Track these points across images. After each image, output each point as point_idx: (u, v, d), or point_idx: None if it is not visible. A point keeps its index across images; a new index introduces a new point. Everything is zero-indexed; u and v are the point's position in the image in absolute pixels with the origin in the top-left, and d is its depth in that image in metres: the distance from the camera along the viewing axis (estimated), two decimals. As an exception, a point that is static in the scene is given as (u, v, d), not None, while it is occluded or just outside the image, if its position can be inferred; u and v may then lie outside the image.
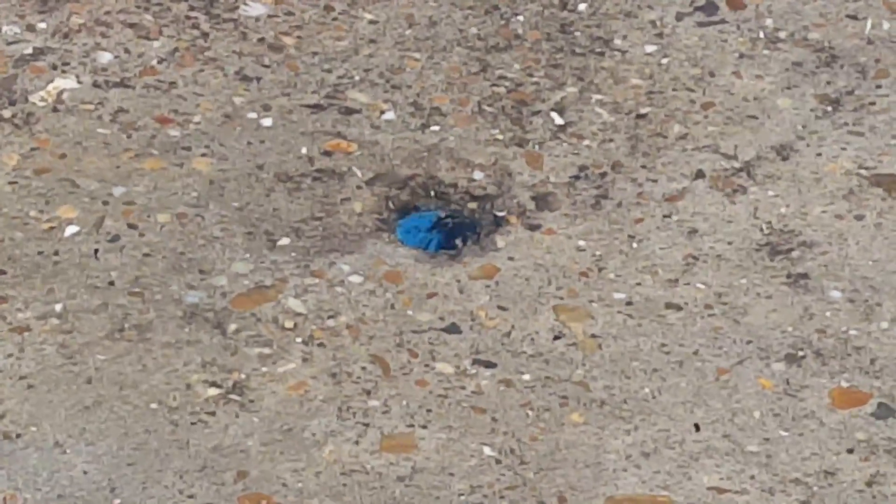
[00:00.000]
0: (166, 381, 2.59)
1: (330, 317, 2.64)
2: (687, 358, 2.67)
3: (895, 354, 2.50)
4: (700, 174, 2.70)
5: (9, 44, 2.77)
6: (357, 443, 2.53)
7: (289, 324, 2.64)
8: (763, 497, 2.50)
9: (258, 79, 2.96)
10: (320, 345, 2.63)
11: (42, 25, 2.78)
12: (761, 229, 2.65)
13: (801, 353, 2.55)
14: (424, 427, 2.54)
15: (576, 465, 2.52)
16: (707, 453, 2.55)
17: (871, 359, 2.50)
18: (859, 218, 2.63)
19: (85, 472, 2.44)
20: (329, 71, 2.77)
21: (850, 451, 2.43)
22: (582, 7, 2.86)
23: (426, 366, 2.59)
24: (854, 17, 2.88)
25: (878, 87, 2.79)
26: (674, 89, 2.79)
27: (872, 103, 2.76)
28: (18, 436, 2.52)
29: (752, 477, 2.52)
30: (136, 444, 2.52)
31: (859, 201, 2.65)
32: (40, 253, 2.69)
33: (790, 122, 2.74)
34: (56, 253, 2.59)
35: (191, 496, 2.46)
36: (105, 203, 2.66)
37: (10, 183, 2.65)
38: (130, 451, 2.49)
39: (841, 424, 2.49)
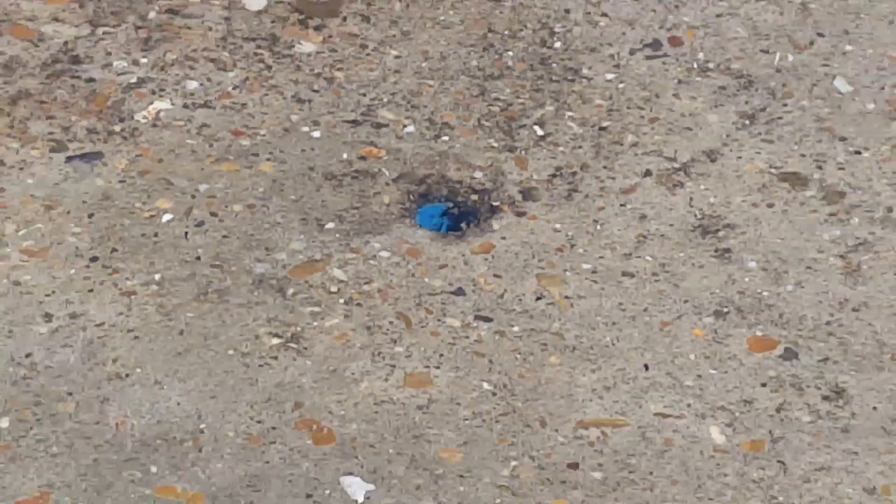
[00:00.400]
0: (240, 334, 2.55)
1: (365, 283, 2.62)
2: (638, 314, 2.63)
3: (798, 310, 2.49)
4: (648, 173, 2.67)
5: (119, 74, 2.74)
6: (386, 380, 2.51)
7: (333, 288, 2.61)
8: (697, 420, 2.47)
9: (309, 101, 2.85)
10: (358, 305, 2.60)
11: (144, 60, 2.74)
12: (695, 215, 2.62)
13: (725, 310, 2.51)
14: (438, 368, 2.51)
15: (553, 396, 2.50)
16: (654, 387, 2.53)
17: (779, 314, 2.48)
18: (770, 206, 2.60)
19: (178, 404, 2.43)
20: (364, 95, 2.75)
21: (764, 384, 2.41)
22: (557, 45, 2.82)
23: (439, 321, 2.57)
24: (766, 52, 2.86)
25: (785, 105, 2.77)
26: (628, 107, 2.75)
27: (780, 118, 2.74)
28: (127, 375, 2.48)
29: (689, 405, 2.50)
30: (217, 382, 2.49)
31: (770, 193, 2.63)
32: (143, 235, 2.67)
33: (717, 133, 2.71)
34: (155, 235, 2.57)
35: (259, 422, 2.43)
36: (193, 196, 2.64)
37: (120, 181, 2.61)
38: (213, 386, 2.47)
39: (756, 364, 2.48)
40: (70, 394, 2.47)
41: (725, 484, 2.40)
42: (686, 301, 2.61)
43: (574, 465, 2.38)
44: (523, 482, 2.37)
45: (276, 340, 2.51)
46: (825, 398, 2.49)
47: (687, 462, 2.42)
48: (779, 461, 2.42)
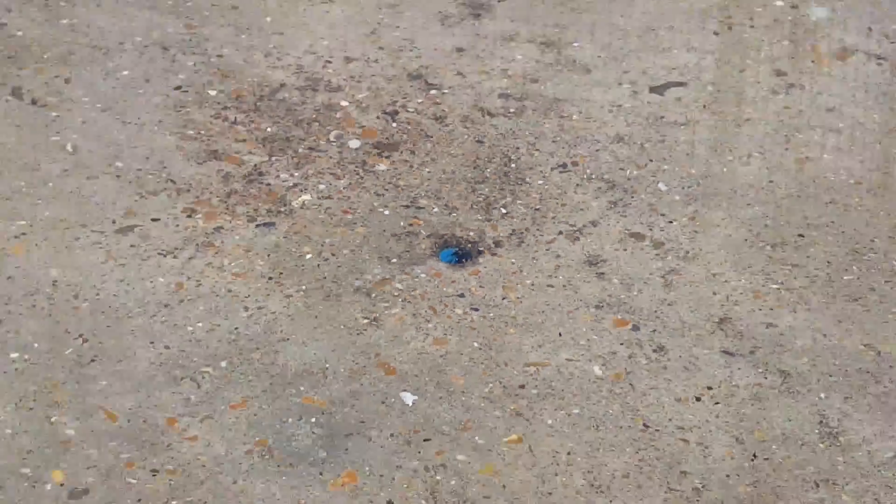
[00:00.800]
0: (346, 317, 2.45)
1: (412, 291, 2.52)
2: (556, 307, 2.48)
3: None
4: (561, 232, 2.61)
5: (283, 181, 2.73)
6: (423, 342, 2.42)
7: (395, 294, 2.50)
8: (586, 363, 2.36)
9: (383, 195, 2.73)
10: (408, 302, 2.51)
11: (297, 173, 2.69)
12: (587, 254, 2.57)
13: (601, 305, 2.48)
14: (450, 336, 2.43)
15: (511, 351, 2.42)
16: (564, 345, 2.41)
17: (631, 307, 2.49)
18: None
19: (314, 353, 2.36)
20: (411, 192, 2.72)
21: (622, 343, 2.38)
22: (513, 165, 2.75)
23: (451, 311, 2.48)
24: (622, 168, 2.83)
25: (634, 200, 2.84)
26: (550, 198, 2.70)
27: (632, 203, 2.77)
28: (287, 339, 2.38)
29: (582, 355, 2.40)
30: (335, 344, 2.39)
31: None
32: (295, 266, 2.54)
33: (596, 211, 2.65)
34: (302, 266, 2.53)
35: (357, 363, 2.36)
36: (321, 245, 2.59)
37: (284, 238, 2.57)
38: (333, 345, 2.39)
39: (619, 334, 2.43)
40: (277, 351, 2.37)
41: (601, 397, 2.32)
42: (580, 300, 2.51)
43: (522, 386, 2.35)
44: (496, 396, 2.32)
45: (364, 321, 2.47)
46: (654, 351, 2.40)
47: (582, 385, 2.35)
48: (630, 384, 2.34)
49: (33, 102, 2.78)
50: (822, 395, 2.29)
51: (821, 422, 2.24)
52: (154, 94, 2.83)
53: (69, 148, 2.68)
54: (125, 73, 2.88)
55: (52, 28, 2.98)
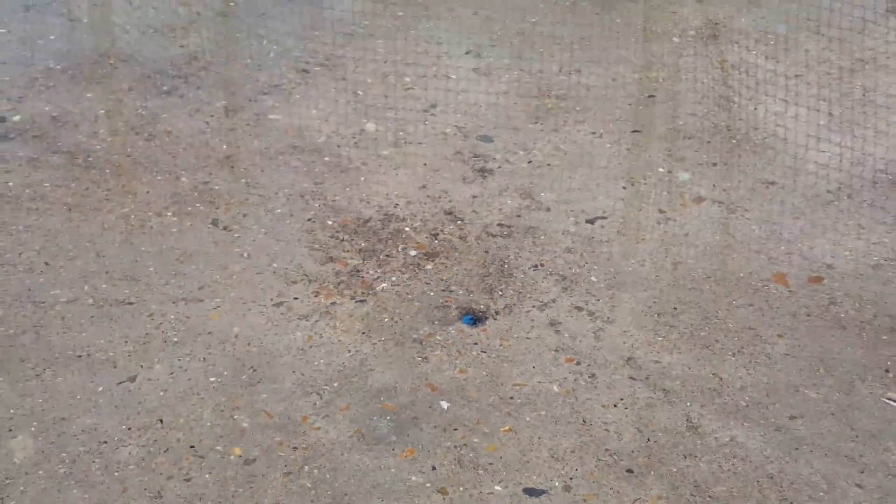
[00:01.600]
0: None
1: (448, 333, 2.46)
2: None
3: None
4: (542, 306, 2.54)
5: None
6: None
7: (450, 336, 2.43)
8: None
9: (430, 295, 2.62)
10: (452, 343, 2.46)
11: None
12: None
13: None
14: (472, 364, 2.38)
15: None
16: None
17: None
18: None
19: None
20: (448, 283, 2.65)
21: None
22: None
23: (471, 341, 2.42)
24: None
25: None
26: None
27: None
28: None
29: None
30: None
31: None
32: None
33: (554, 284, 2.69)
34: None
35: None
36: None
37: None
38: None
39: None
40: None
41: (558, 404, 2.24)
42: (545, 346, 2.41)
43: (511, 398, 2.29)
44: (496, 403, 2.27)
45: (419, 358, 2.40)
46: (589, 377, 2.35)
47: (546, 397, 2.27)
48: (575, 396, 2.27)
49: (224, 228, 2.79)
50: (688, 404, 2.26)
51: (687, 419, 2.21)
52: (295, 223, 2.78)
53: (245, 255, 2.64)
54: (278, 210, 2.89)
55: (236, 184, 2.98)
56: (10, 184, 2.45)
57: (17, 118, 2.64)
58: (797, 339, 2.25)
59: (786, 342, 2.25)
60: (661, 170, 3.18)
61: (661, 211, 3.00)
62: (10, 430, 1.92)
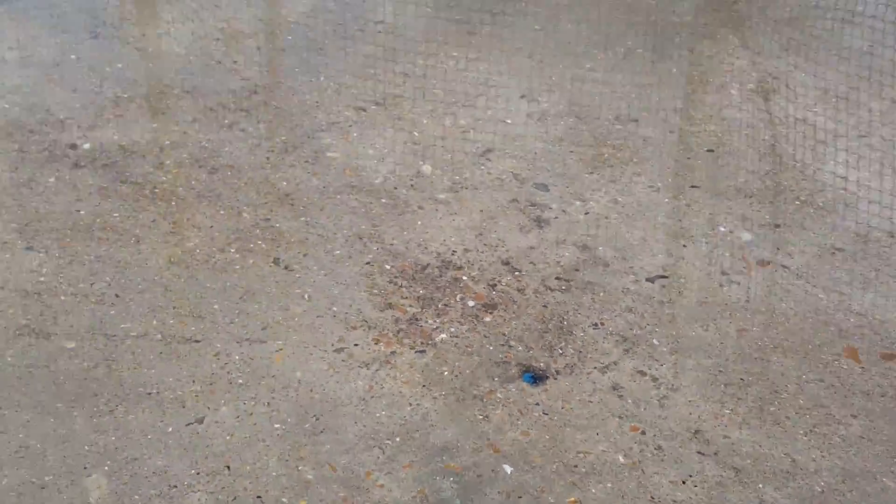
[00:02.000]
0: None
1: (510, 391, 2.42)
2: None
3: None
4: (605, 369, 2.59)
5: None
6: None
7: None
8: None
9: (485, 346, 2.58)
10: (514, 400, 2.42)
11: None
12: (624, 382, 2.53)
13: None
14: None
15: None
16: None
17: None
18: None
19: None
20: (507, 338, 2.60)
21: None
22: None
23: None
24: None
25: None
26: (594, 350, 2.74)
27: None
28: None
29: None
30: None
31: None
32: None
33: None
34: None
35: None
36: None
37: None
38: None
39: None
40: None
41: (623, 476, 2.23)
42: (609, 412, 2.38)
43: (575, 465, 2.26)
44: (560, 471, 2.23)
45: (480, 416, 2.36)
46: (655, 449, 2.32)
47: (612, 468, 2.25)
48: (641, 469, 2.24)
49: (285, 267, 2.81)
50: (761, 486, 2.19)
51: (761, 503, 2.14)
52: (354, 265, 2.81)
53: (306, 297, 2.61)
54: (337, 252, 2.89)
55: (296, 222, 2.96)
56: (82, 212, 2.43)
57: (87, 146, 2.61)
58: (872, 421, 2.17)
59: (860, 423, 2.17)
60: (721, 229, 3.09)
61: (723, 273, 2.95)
62: (86, 468, 1.86)
